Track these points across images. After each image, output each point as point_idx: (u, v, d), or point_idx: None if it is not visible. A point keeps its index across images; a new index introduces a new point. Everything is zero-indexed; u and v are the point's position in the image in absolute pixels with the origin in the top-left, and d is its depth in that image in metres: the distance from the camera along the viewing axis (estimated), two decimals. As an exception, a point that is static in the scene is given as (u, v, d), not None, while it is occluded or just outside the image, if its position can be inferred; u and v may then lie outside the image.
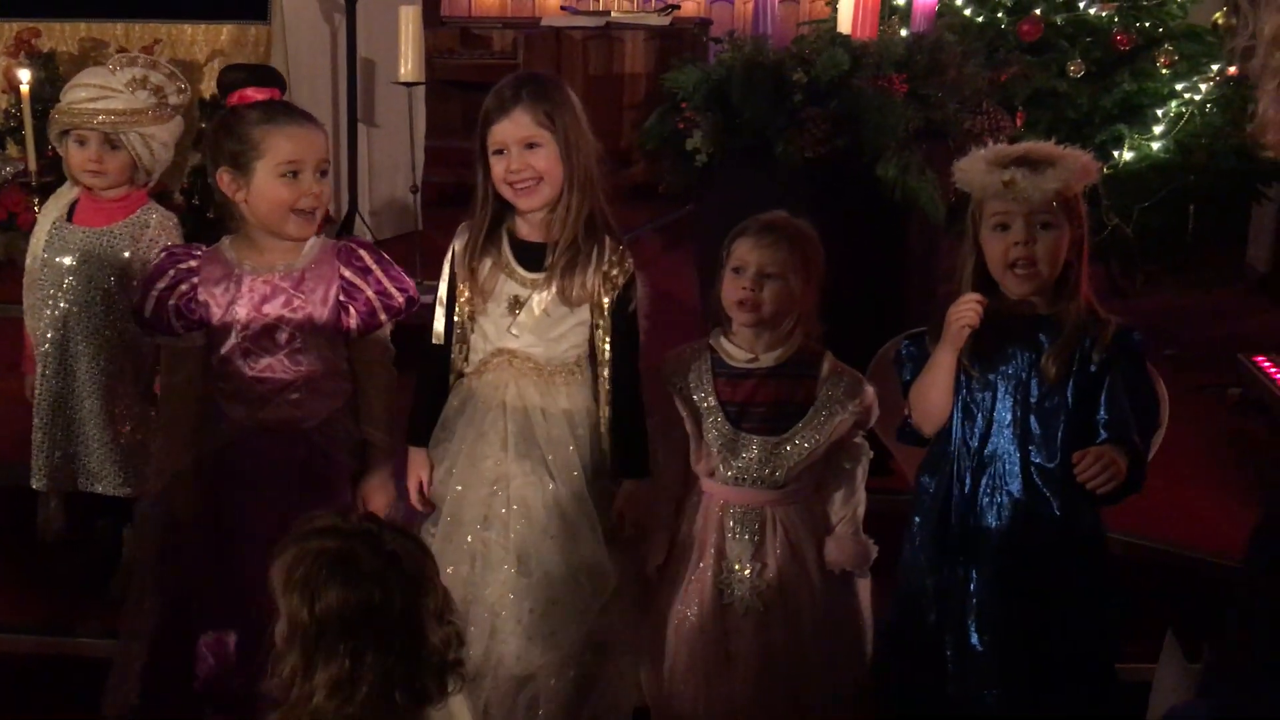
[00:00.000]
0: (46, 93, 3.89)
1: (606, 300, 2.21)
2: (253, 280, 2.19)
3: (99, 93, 2.70)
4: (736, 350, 2.27)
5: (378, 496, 2.27)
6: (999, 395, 2.15)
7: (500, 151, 2.15)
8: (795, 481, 2.25)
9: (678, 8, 7.12)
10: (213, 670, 2.21)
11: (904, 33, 3.40)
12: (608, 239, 2.22)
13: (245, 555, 2.13)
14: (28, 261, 2.81)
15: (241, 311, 2.19)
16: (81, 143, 2.68)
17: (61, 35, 4.41)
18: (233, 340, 2.20)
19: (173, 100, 2.78)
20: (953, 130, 3.08)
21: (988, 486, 2.16)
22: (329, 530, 1.48)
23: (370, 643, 1.42)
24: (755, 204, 2.37)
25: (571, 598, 2.20)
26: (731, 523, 2.23)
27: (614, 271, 2.21)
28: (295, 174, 2.16)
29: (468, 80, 7.35)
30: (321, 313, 2.19)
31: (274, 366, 2.19)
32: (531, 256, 2.22)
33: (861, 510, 2.32)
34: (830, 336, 2.33)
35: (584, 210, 2.18)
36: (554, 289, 2.19)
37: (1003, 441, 2.15)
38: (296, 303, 2.18)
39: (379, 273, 2.22)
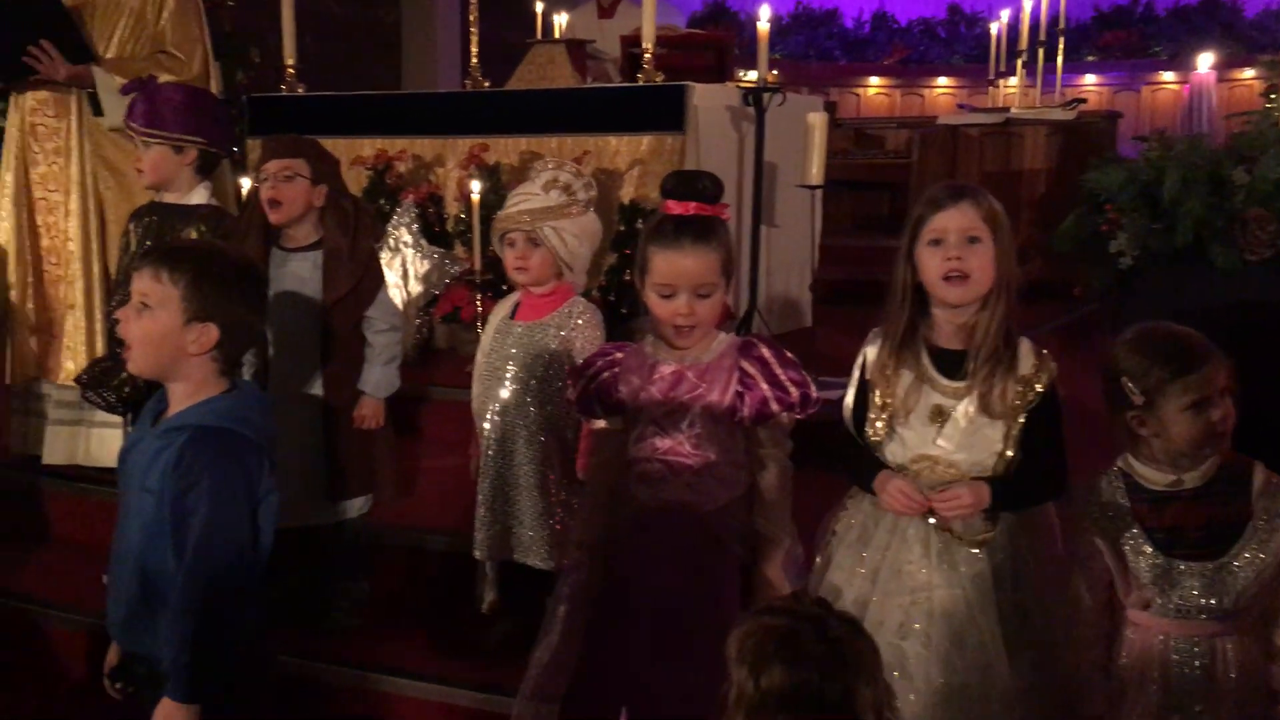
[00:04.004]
0: (491, 200, 4.37)
1: (1023, 405, 2.17)
2: (664, 369, 2.33)
3: (522, 198, 3.04)
4: (1155, 473, 2.13)
5: (766, 589, 2.29)
6: None
7: (938, 241, 2.18)
8: (1247, 608, 2.07)
9: (1084, 101, 6.87)
10: None
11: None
12: (1026, 344, 2.19)
13: (634, 631, 2.26)
14: (478, 357, 3.14)
15: (651, 396, 2.33)
16: (511, 244, 3.00)
17: (505, 149, 4.92)
18: (642, 423, 2.35)
19: (581, 196, 3.05)
20: None
21: None
22: (781, 609, 1.54)
23: None
24: (1187, 308, 2.25)
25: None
26: (1175, 657, 2.08)
27: (1035, 377, 2.18)
28: (669, 295, 2.27)
29: (858, 179, 7.49)
30: (720, 401, 2.28)
31: (675, 450, 2.31)
32: (952, 364, 2.22)
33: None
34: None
35: (1005, 319, 2.18)
36: (976, 398, 2.18)
37: None
38: (699, 390, 2.29)
39: (776, 367, 2.28)
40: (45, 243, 4.10)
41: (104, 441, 4.00)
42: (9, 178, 4.10)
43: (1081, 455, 2.33)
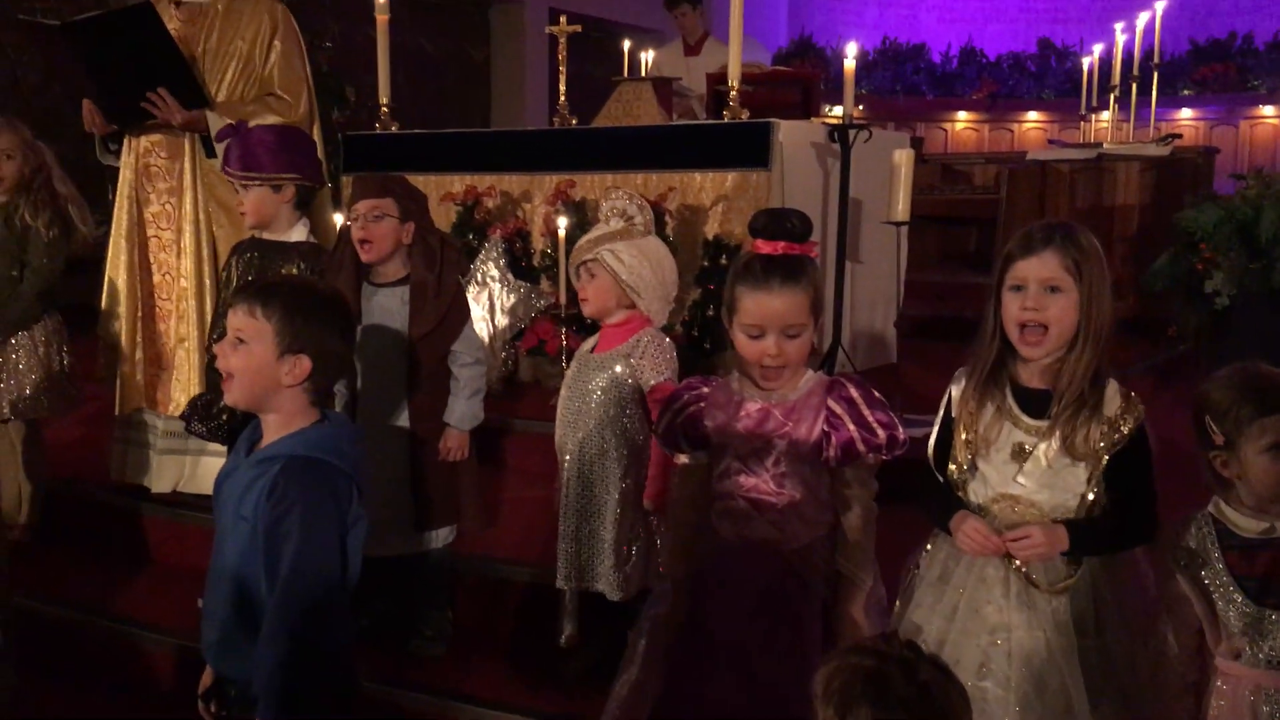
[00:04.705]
0: (576, 235, 4.41)
1: (1108, 446, 2.13)
2: (750, 405, 2.33)
3: (591, 232, 3.10)
4: (1246, 520, 2.08)
5: (849, 629, 2.27)
6: None
7: (1019, 288, 2.16)
8: None
9: (1179, 136, 6.73)
10: None
11: None
12: (1114, 385, 2.16)
13: (715, 667, 2.25)
14: (562, 390, 3.18)
15: (737, 432, 2.33)
16: (579, 277, 3.07)
17: (591, 185, 4.98)
18: (727, 459, 2.35)
19: (637, 219, 3.08)
20: None
21: None
22: (870, 650, 1.53)
23: None
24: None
25: None
26: (1266, 709, 2.02)
27: (1121, 419, 2.13)
28: (758, 335, 2.26)
29: (944, 215, 7.42)
30: (806, 440, 2.27)
31: (760, 487, 2.30)
32: (1036, 403, 2.20)
33: None
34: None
35: (1093, 363, 2.15)
36: (1058, 438, 2.15)
37: None
38: (785, 429, 2.29)
39: (864, 408, 2.27)
40: (156, 279, 4.25)
41: (208, 469, 4.12)
42: (123, 216, 4.26)
43: (1176, 499, 2.28)
